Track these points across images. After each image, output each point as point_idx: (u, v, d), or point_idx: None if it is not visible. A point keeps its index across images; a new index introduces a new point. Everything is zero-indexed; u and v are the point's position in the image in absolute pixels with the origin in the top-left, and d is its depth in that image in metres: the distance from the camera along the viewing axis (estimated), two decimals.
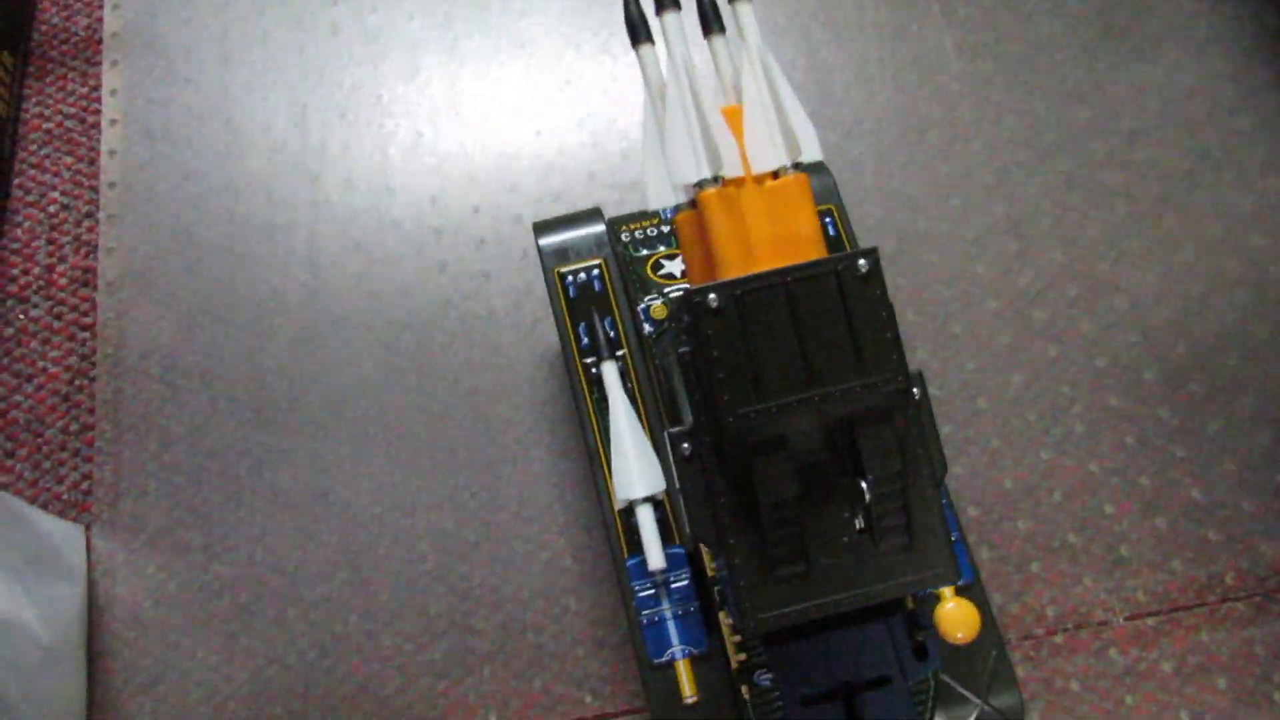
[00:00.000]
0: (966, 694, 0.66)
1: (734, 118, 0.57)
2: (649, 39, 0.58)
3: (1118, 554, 0.81)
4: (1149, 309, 0.89)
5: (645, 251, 0.78)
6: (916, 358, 0.88)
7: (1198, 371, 0.87)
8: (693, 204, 0.57)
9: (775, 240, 0.55)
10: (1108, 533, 0.81)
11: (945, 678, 0.65)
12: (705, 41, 0.59)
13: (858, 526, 0.53)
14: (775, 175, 0.56)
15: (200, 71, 1.03)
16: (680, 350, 0.54)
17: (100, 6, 1.07)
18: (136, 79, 1.03)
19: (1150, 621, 0.79)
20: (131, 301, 0.92)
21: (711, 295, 0.51)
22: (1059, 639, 0.78)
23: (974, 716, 0.66)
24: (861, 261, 0.51)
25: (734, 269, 0.54)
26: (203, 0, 1.07)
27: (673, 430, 0.54)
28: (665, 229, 0.80)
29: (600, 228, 0.79)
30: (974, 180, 0.95)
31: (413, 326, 0.90)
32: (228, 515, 0.84)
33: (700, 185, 0.54)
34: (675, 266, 0.77)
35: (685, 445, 0.53)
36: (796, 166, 0.56)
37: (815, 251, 0.55)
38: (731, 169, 0.55)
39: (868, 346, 0.51)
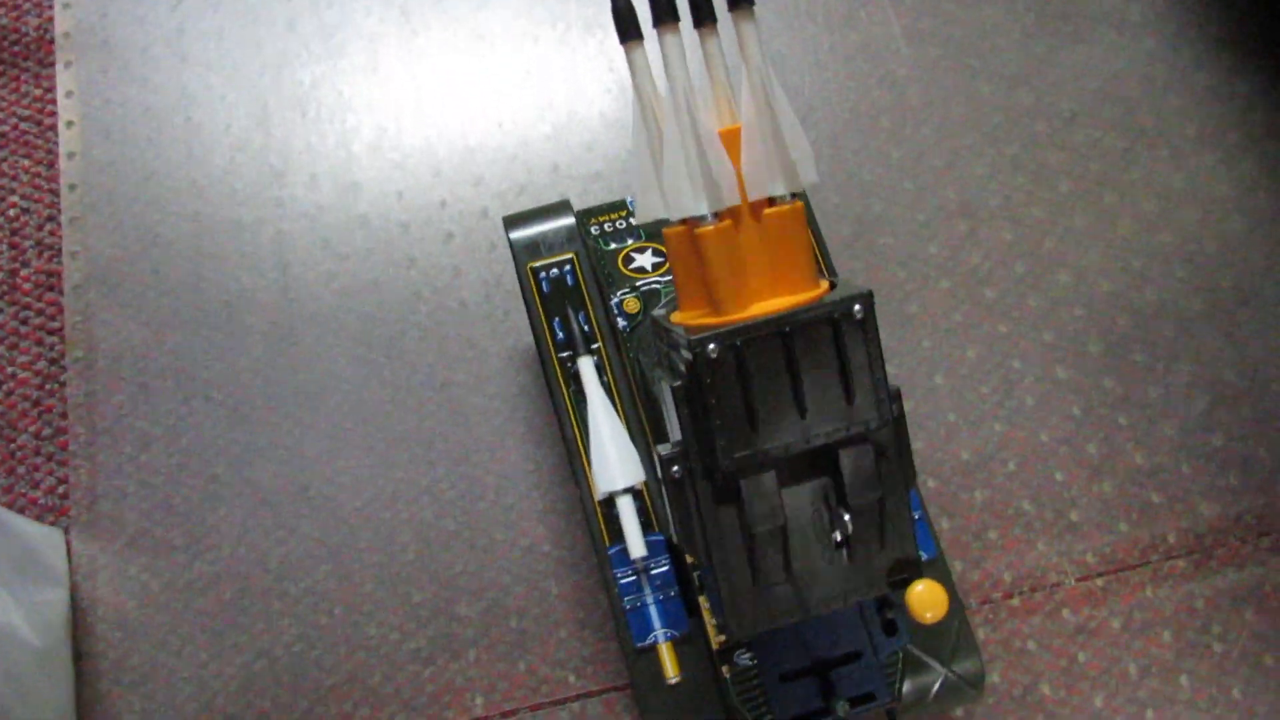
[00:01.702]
0: (932, 662, 0.70)
1: (732, 139, 0.56)
2: (639, 37, 0.56)
3: (1068, 519, 0.85)
4: (1092, 284, 0.94)
5: (615, 245, 0.80)
6: None
7: (1138, 343, 0.91)
8: (684, 221, 0.57)
9: (772, 272, 0.55)
10: (1058, 499, 0.86)
11: (912, 648, 0.69)
12: (696, 33, 0.56)
13: (836, 540, 0.56)
14: (772, 201, 0.56)
15: (157, 70, 1.03)
16: (674, 385, 0.55)
17: (50, 6, 1.05)
18: (92, 80, 1.02)
19: (1099, 582, 0.84)
20: (99, 304, 0.92)
21: (711, 346, 0.51)
22: (1015, 602, 0.83)
23: (939, 682, 0.70)
24: (857, 307, 0.52)
25: (731, 307, 0.55)
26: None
27: (663, 453, 0.55)
28: (634, 221, 0.82)
29: (570, 220, 0.81)
30: (925, 164, 0.99)
31: (385, 321, 0.91)
32: (208, 513, 0.85)
33: (698, 220, 0.54)
34: (646, 260, 0.79)
35: (676, 469, 0.54)
36: (793, 194, 0.55)
37: (810, 284, 0.56)
38: (729, 197, 0.55)
39: (858, 389, 0.53)
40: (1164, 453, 0.87)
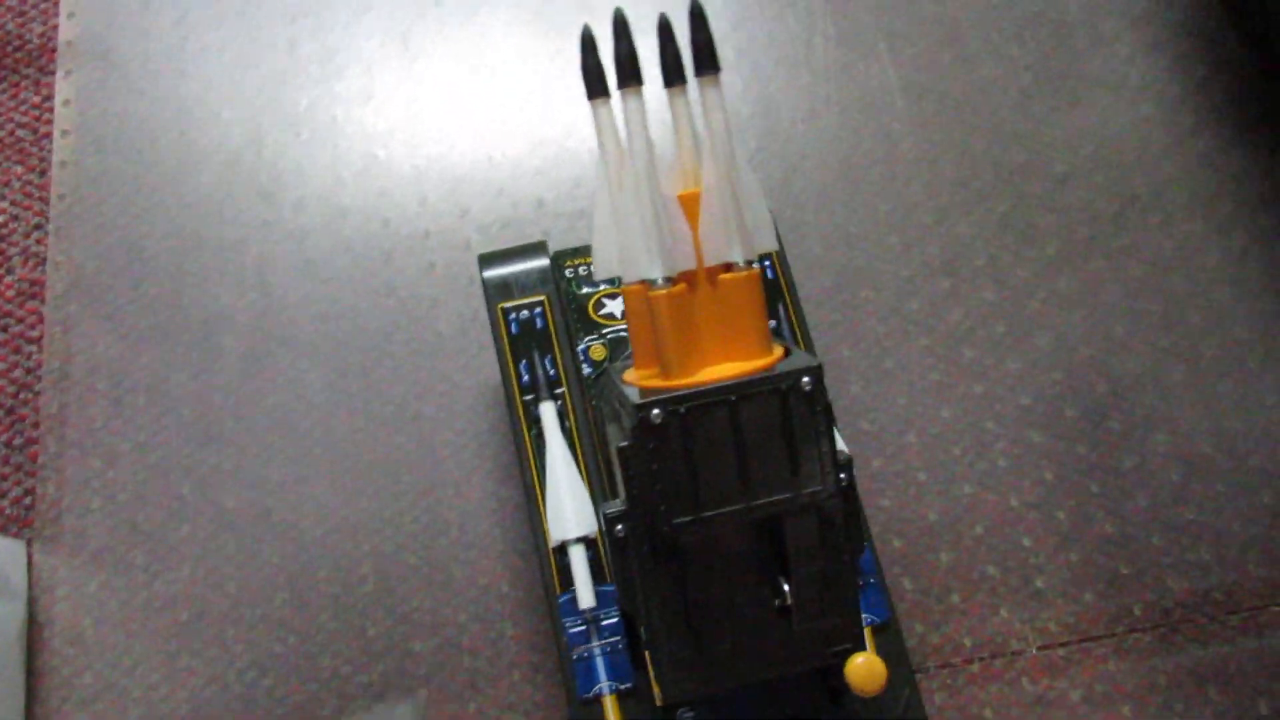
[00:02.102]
0: None
1: (691, 203, 0.56)
2: (606, 94, 0.57)
3: (1034, 586, 0.84)
4: (1073, 348, 0.93)
5: (588, 290, 0.80)
6: (850, 392, 0.91)
7: (1116, 410, 0.91)
8: (643, 280, 0.58)
9: (724, 337, 0.56)
10: (1025, 565, 0.85)
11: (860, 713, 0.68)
12: (666, 93, 0.57)
13: (776, 605, 0.56)
14: (728, 267, 0.56)
15: (155, 84, 1.04)
16: (620, 445, 0.55)
17: (55, 15, 1.07)
18: (91, 90, 1.03)
19: (1061, 651, 0.83)
20: (79, 316, 0.93)
21: (655, 411, 0.52)
22: (975, 668, 0.82)
23: None
24: (805, 379, 0.53)
25: (680, 371, 0.55)
26: (160, 11, 1.07)
27: (608, 511, 0.55)
28: (593, 274, 0.82)
29: (544, 262, 0.81)
30: (912, 219, 0.98)
31: (360, 349, 0.92)
32: (170, 534, 0.85)
33: (652, 283, 0.54)
34: (616, 306, 0.79)
35: (619, 529, 0.55)
36: (749, 263, 0.56)
37: (762, 351, 0.56)
38: (685, 263, 0.55)
39: (804, 460, 0.53)
40: (1135, 523, 0.86)
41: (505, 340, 0.77)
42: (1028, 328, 0.94)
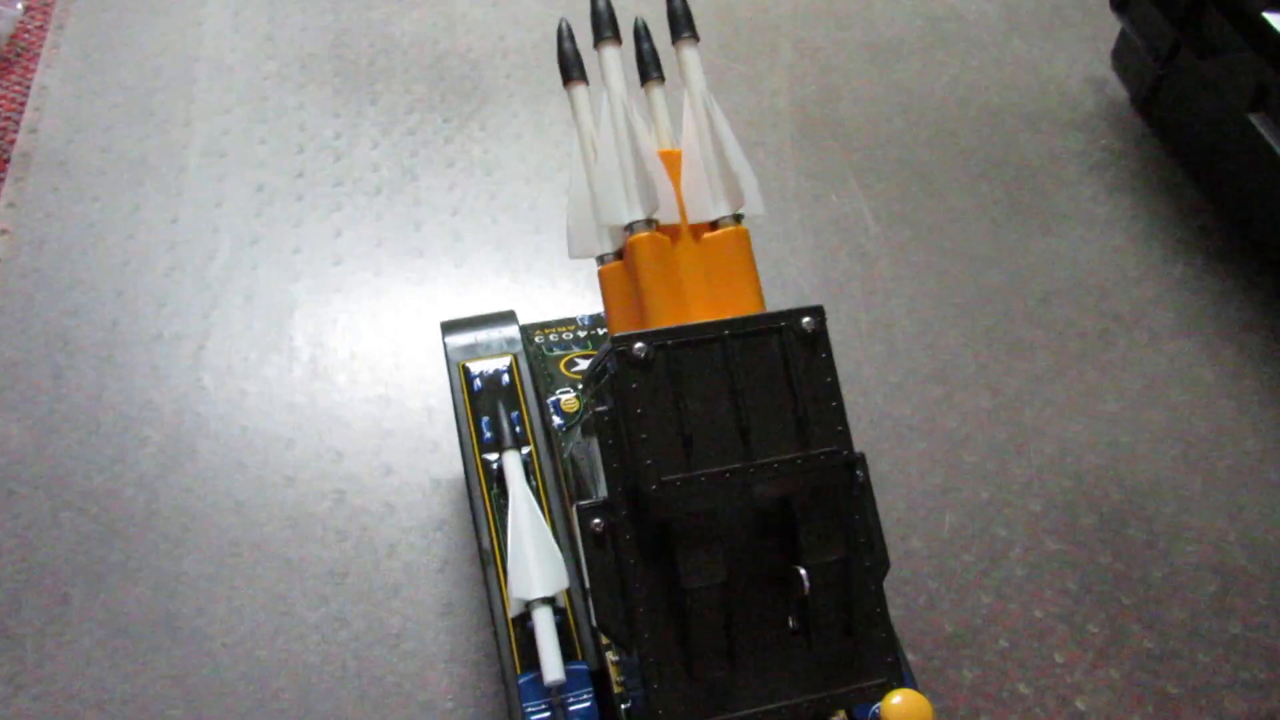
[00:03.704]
0: None
1: (672, 162, 0.54)
2: (582, 79, 0.56)
3: (1074, 707, 0.72)
4: (1079, 456, 0.86)
5: (559, 352, 0.73)
6: None
7: (1134, 518, 0.82)
8: (619, 255, 0.53)
9: (711, 295, 0.51)
10: (1061, 684, 0.73)
11: None
12: (644, 91, 0.56)
13: (790, 625, 0.47)
14: (714, 226, 0.52)
15: (111, 191, 1.00)
16: (598, 409, 0.48)
17: (15, 130, 1.04)
18: (39, 195, 0.99)
19: None
20: None
21: (639, 344, 0.45)
22: None
23: None
24: (806, 320, 0.47)
25: (665, 318, 0.49)
26: (125, 130, 1.06)
27: (582, 503, 0.47)
28: (581, 333, 0.75)
29: (512, 329, 0.74)
30: (896, 330, 0.94)
31: (298, 441, 0.82)
32: (47, 640, 0.71)
33: (631, 229, 0.50)
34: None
35: (597, 521, 0.46)
36: (737, 219, 0.53)
37: (754, 309, 0.51)
38: (667, 214, 0.52)
39: (811, 414, 0.46)
40: (1176, 638, 0.76)
41: (466, 396, 0.69)
42: (1029, 434, 0.87)
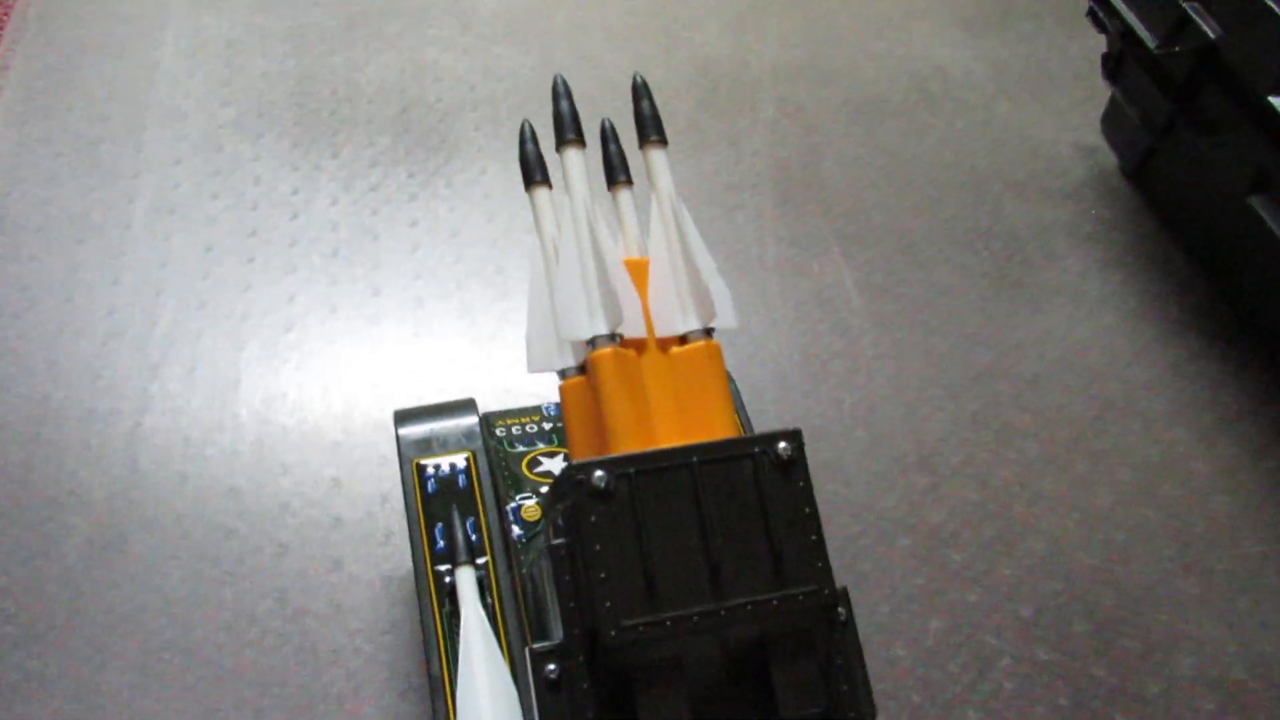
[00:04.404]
0: None
1: (639, 271, 0.50)
2: (545, 182, 0.53)
3: None
4: (1071, 555, 0.82)
5: (522, 448, 0.68)
6: None
7: (1129, 626, 0.78)
8: (582, 369, 0.49)
9: (679, 416, 0.46)
10: None
11: None
12: (610, 194, 0.53)
13: None
14: (683, 340, 0.49)
15: (49, 250, 0.94)
16: (554, 542, 0.43)
17: None
18: None
19: None
20: None
21: (599, 473, 0.41)
22: None
23: None
24: (783, 445, 0.43)
25: (628, 442, 0.44)
26: (69, 181, 1.00)
27: (536, 646, 0.42)
28: (546, 425, 0.70)
29: (472, 419, 0.69)
30: (879, 413, 0.90)
31: (238, 533, 0.76)
32: None
33: (594, 344, 0.46)
34: (555, 465, 0.67)
35: (551, 667, 0.41)
36: (708, 332, 0.49)
37: (725, 432, 0.46)
38: (632, 328, 0.47)
39: (787, 549, 0.42)
40: None
41: (419, 499, 0.64)
42: (1019, 531, 0.83)
